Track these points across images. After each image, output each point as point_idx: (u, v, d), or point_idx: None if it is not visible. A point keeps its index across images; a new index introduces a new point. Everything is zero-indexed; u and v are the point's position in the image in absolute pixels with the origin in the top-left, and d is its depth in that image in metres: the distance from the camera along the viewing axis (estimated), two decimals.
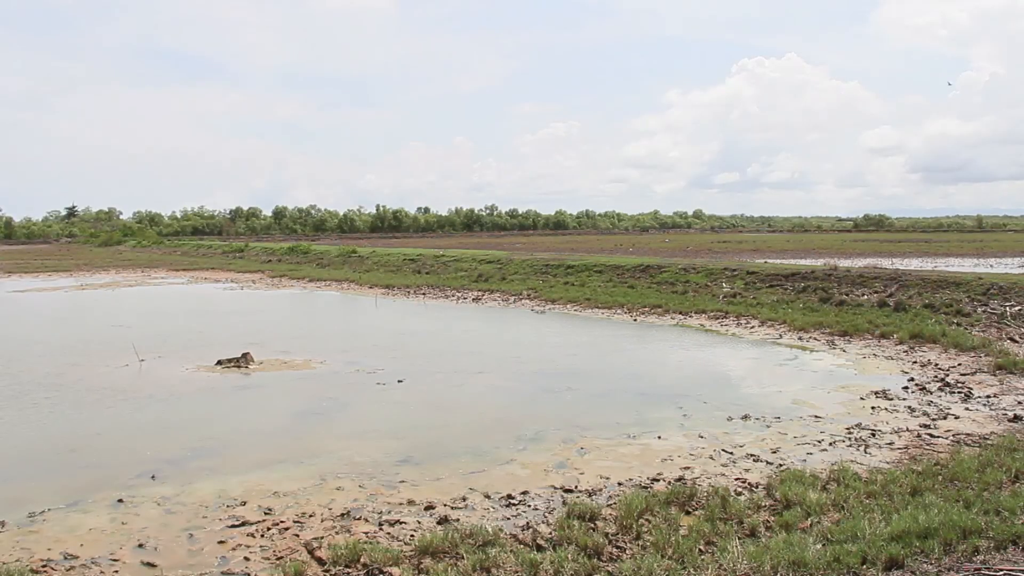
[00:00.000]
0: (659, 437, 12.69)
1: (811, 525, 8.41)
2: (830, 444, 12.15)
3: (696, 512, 9.10)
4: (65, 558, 8.50)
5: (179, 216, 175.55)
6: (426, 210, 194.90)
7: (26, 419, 14.79)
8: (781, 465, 11.05)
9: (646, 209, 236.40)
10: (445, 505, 9.76)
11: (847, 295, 27.28)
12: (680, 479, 10.47)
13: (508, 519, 9.26)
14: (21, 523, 9.52)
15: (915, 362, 18.63)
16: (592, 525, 8.70)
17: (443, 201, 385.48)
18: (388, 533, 8.88)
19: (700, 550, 7.89)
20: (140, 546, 8.78)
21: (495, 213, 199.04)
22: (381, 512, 9.59)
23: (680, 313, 27.63)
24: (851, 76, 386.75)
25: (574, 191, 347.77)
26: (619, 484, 10.47)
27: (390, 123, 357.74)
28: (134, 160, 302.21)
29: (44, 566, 8.21)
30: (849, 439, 12.36)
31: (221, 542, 8.82)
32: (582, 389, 16.55)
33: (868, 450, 11.76)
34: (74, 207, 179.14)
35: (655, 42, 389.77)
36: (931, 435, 12.46)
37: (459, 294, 37.13)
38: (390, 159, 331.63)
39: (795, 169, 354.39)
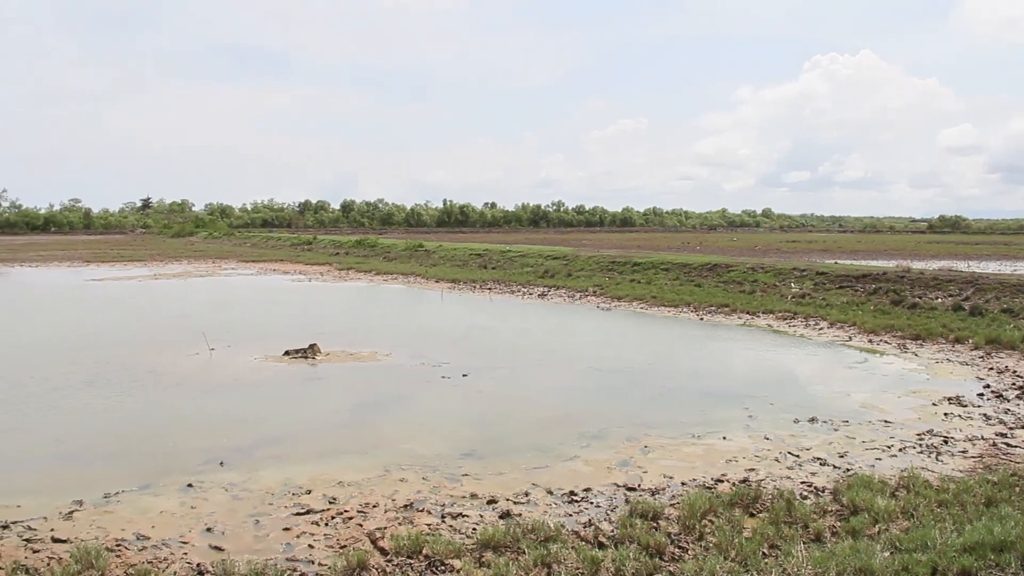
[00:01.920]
0: (724, 437, 12.57)
1: (879, 532, 8.25)
2: (900, 450, 11.90)
3: (760, 515, 8.99)
4: (137, 538, 8.72)
5: (249, 208, 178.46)
6: (493, 205, 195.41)
7: (102, 405, 15.19)
8: (848, 470, 10.87)
9: (714, 207, 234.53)
10: (507, 500, 9.79)
11: (920, 298, 26.71)
12: (744, 480, 10.36)
13: (570, 515, 9.26)
14: (97, 503, 9.81)
15: (991, 368, 18.16)
16: (654, 524, 8.66)
17: (510, 197, 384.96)
18: (450, 526, 8.93)
19: (764, 553, 7.80)
20: (208, 530, 8.97)
21: (562, 209, 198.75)
22: (444, 505, 9.65)
23: (747, 313, 27.32)
24: (928, 73, 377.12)
25: (641, 188, 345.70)
26: (682, 484, 10.40)
27: (458, 118, 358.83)
28: (206, 154, 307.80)
29: (118, 545, 8.45)
30: (920, 445, 12.10)
31: (286, 529, 8.96)
32: (647, 387, 16.46)
33: (940, 457, 11.49)
34: (149, 199, 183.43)
35: (726, 38, 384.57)
36: (1008, 444, 12.14)
37: (525, 290, 37.18)
38: (457, 154, 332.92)
39: (868, 168, 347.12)
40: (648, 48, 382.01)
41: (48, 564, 7.89)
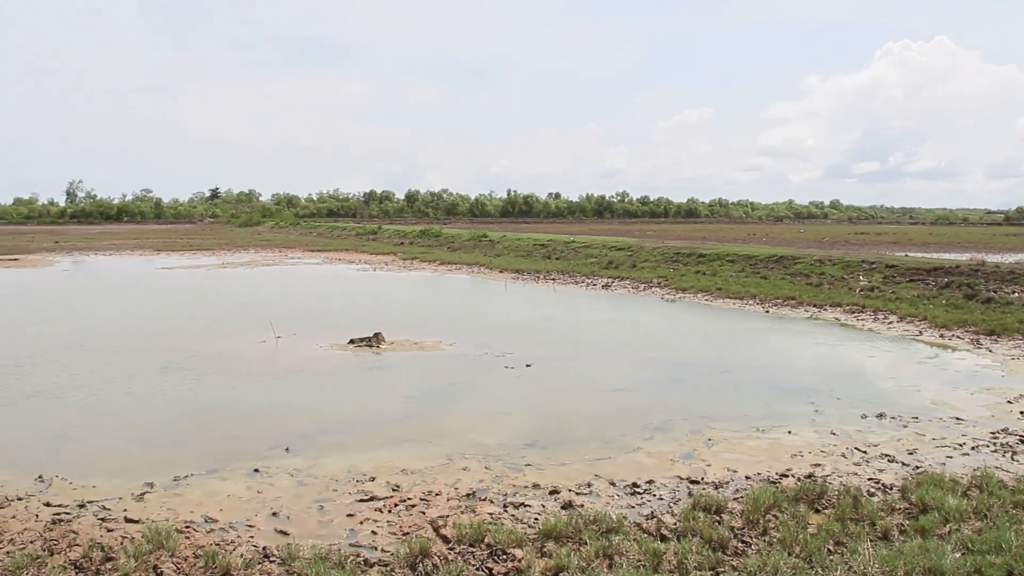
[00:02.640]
0: (789, 432, 12.41)
1: (949, 532, 8.07)
2: (972, 448, 11.62)
3: (826, 511, 8.87)
4: (206, 521, 8.91)
5: (315, 198, 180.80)
6: (557, 196, 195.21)
7: (173, 390, 15.53)
8: (918, 467, 10.65)
9: (780, 198, 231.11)
10: (570, 490, 9.79)
11: (995, 292, 26.03)
12: (810, 476, 10.22)
13: (632, 507, 9.23)
14: (167, 486, 10.05)
15: None
16: (718, 518, 8.59)
17: (574, 187, 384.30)
18: (512, 515, 8.96)
19: (829, 550, 7.69)
20: (274, 514, 9.12)
21: (626, 200, 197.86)
22: (506, 494, 9.69)
23: (814, 306, 26.93)
24: (1007, 59, 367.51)
25: (706, 179, 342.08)
26: (746, 478, 10.30)
27: (522, 108, 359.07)
28: (273, 144, 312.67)
29: (187, 527, 8.64)
30: (994, 444, 11.80)
31: (350, 515, 9.08)
32: (711, 380, 16.33)
33: (1016, 457, 11.19)
34: (217, 189, 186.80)
35: (794, 26, 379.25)
36: None
37: (588, 280, 37.09)
38: (522, 144, 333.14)
39: (941, 158, 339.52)
40: (715, 37, 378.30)
41: (121, 543, 8.10)
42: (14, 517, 8.98)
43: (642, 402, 14.50)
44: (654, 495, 9.65)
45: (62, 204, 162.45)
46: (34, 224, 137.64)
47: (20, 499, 9.60)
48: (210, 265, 49.74)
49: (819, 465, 10.78)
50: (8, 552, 7.94)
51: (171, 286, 37.78)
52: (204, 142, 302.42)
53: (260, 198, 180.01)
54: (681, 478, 10.28)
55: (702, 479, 10.22)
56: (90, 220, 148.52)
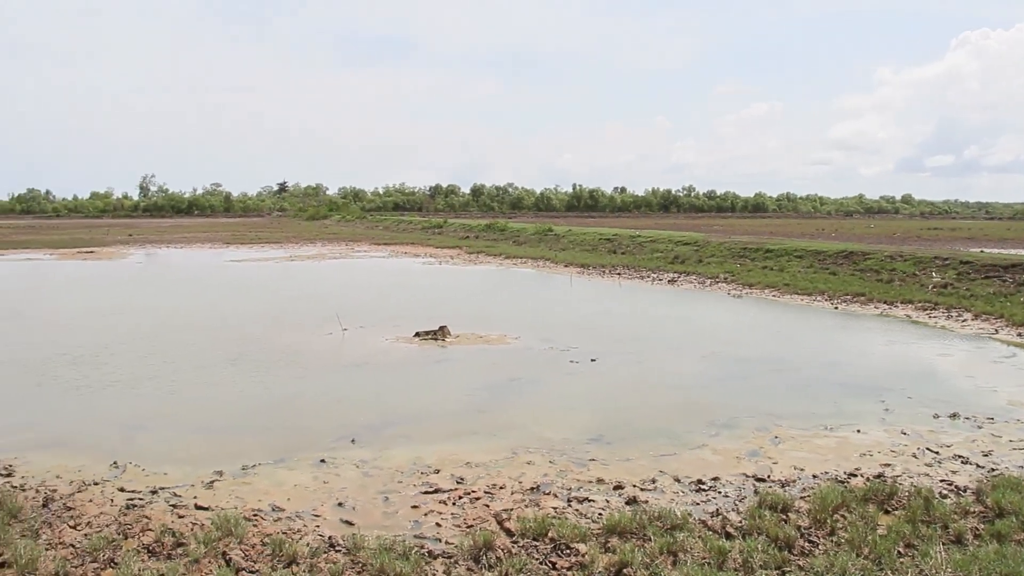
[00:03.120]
0: (858, 431, 12.20)
1: None
2: None
3: (896, 512, 8.70)
4: (273, 509, 9.07)
5: (381, 192, 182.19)
6: (622, 190, 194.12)
7: (242, 381, 15.83)
8: (994, 470, 10.38)
9: (850, 193, 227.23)
10: (634, 486, 9.75)
11: None
12: (879, 476, 10.04)
13: (697, 504, 9.16)
14: (236, 474, 10.25)
15: None
16: (784, 517, 8.48)
17: (640, 181, 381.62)
18: (576, 510, 8.95)
19: (899, 552, 7.55)
20: (340, 504, 9.24)
21: (692, 194, 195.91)
22: (570, 489, 9.69)
23: (884, 303, 26.40)
24: None
25: (774, 173, 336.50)
26: (813, 476, 10.15)
27: (589, 102, 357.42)
28: (340, 138, 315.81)
29: (255, 515, 8.81)
30: None
31: (414, 507, 9.15)
32: (778, 377, 16.11)
33: None
34: (285, 183, 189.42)
35: (866, 16, 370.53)
36: None
37: (654, 275, 36.86)
38: (588, 138, 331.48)
39: (1020, 151, 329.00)
40: (784, 28, 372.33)
41: (192, 529, 8.28)
42: (91, 501, 9.26)
43: (708, 398, 14.38)
44: (719, 492, 9.57)
45: (135, 198, 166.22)
46: (109, 217, 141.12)
47: (96, 484, 9.89)
48: (278, 258, 50.49)
49: (889, 465, 10.58)
50: (86, 534, 8.19)
51: (240, 279, 38.42)
52: (272, 137, 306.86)
53: (327, 192, 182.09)
54: (747, 476, 10.17)
55: (768, 477, 10.11)
56: (162, 213, 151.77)
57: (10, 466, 10.61)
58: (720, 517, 8.56)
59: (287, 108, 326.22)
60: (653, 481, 9.96)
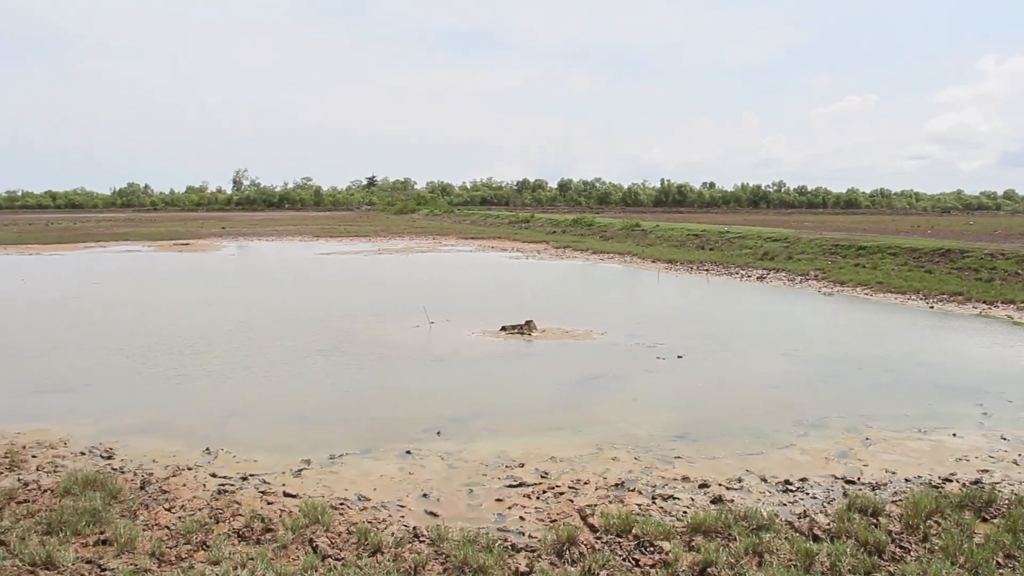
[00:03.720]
0: (954, 434, 11.84)
1: None
2: None
3: (994, 520, 8.41)
4: (359, 499, 9.22)
5: (468, 187, 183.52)
6: (711, 185, 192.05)
7: (331, 372, 16.12)
8: None
9: (948, 188, 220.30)
10: (720, 484, 9.65)
11: None
12: (977, 482, 9.73)
13: (784, 505, 9.01)
14: (323, 463, 10.45)
15: None
16: (874, 520, 8.28)
17: (728, 177, 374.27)
18: (660, 507, 8.89)
19: (998, 563, 7.30)
20: (424, 496, 9.34)
21: (782, 190, 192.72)
22: (655, 486, 9.63)
23: (984, 302, 25.55)
24: None
25: (868, 168, 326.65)
26: (906, 480, 9.89)
27: (677, 97, 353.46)
28: (428, 133, 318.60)
29: (341, 503, 8.98)
30: None
31: (498, 500, 9.20)
32: (870, 377, 15.73)
33: None
34: (374, 177, 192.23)
35: (967, 3, 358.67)
36: None
37: (743, 271, 36.33)
38: (676, 133, 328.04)
39: None
40: (880, 18, 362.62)
41: (280, 516, 8.48)
42: (185, 485, 9.56)
43: (796, 397, 14.13)
44: (807, 493, 9.39)
45: (229, 192, 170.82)
46: (203, 211, 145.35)
47: (190, 469, 10.19)
48: (366, 251, 51.20)
49: (987, 471, 10.25)
50: (180, 517, 8.46)
51: (329, 272, 39.08)
52: (362, 131, 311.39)
53: (415, 186, 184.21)
54: (836, 477, 9.96)
55: (858, 479, 9.88)
56: (254, 207, 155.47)
57: (110, 449, 11.04)
58: (807, 519, 8.41)
59: (378, 103, 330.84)
60: (739, 480, 9.84)
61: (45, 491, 9.23)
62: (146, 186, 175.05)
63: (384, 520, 8.53)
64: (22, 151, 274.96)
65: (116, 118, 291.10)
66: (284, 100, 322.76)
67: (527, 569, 7.25)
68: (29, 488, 9.37)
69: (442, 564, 7.30)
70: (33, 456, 10.73)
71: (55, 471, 10.08)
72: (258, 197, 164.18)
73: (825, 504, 9.01)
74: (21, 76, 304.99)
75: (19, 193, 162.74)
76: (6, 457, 10.58)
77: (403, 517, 8.68)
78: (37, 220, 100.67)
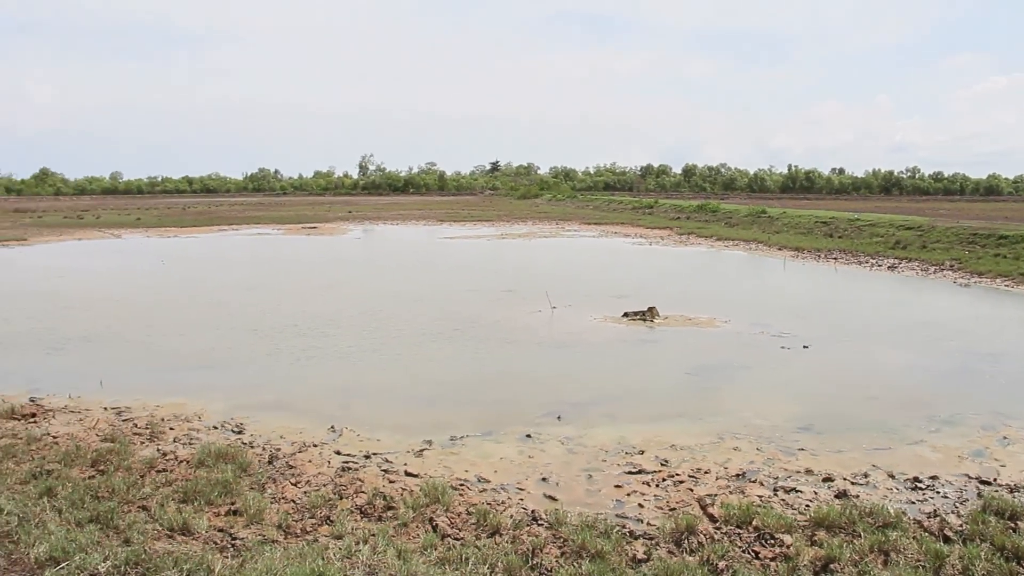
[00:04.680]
0: None
1: None
2: None
3: None
4: (479, 480, 9.34)
5: (592, 172, 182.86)
6: (840, 171, 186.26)
7: (453, 354, 16.37)
8: None
9: None
10: (844, 479, 9.39)
11: None
12: None
13: (912, 503, 8.72)
14: (444, 444, 10.63)
15: None
16: (1012, 525, 7.89)
17: (859, 162, 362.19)
18: (782, 500, 8.73)
19: None
20: (543, 479, 9.40)
21: (916, 176, 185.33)
22: (777, 478, 9.45)
23: None
24: None
25: (1012, 153, 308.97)
26: None
27: (807, 80, 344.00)
28: (551, 118, 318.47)
29: (461, 484, 9.12)
30: None
31: (617, 486, 9.19)
32: (1009, 372, 15.04)
33: None
34: (497, 162, 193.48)
35: None
36: None
37: (873, 260, 35.17)
38: (804, 117, 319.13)
39: None
40: None
41: (401, 494, 8.67)
42: (310, 461, 9.86)
43: (928, 392, 13.64)
44: (937, 492, 9.06)
45: (355, 177, 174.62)
46: (330, 195, 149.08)
47: (315, 446, 10.51)
48: (489, 236, 51.62)
49: None
50: (305, 492, 8.75)
51: (453, 256, 39.60)
52: (486, 116, 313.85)
53: (538, 171, 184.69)
54: (970, 477, 9.57)
55: (994, 480, 9.46)
56: (379, 191, 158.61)
57: (241, 424, 11.48)
58: (938, 519, 8.11)
59: (499, 88, 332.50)
60: (865, 475, 9.56)
61: (181, 462, 9.68)
62: (276, 171, 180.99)
63: (503, 502, 8.62)
64: (161, 139, 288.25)
65: (248, 106, 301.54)
66: (410, 86, 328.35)
67: (645, 556, 7.22)
68: (167, 458, 9.84)
69: (560, 548, 7.34)
70: (171, 428, 11.26)
71: (190, 443, 10.56)
72: (383, 182, 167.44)
73: (957, 504, 8.67)
74: (159, 71, 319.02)
75: (159, 179, 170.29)
76: (146, 428, 11.14)
77: (522, 500, 8.75)
78: (175, 204, 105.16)
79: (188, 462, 9.61)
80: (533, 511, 8.28)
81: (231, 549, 7.09)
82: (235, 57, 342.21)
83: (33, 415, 11.76)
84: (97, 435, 10.80)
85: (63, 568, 6.15)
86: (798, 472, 9.65)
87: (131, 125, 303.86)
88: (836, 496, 8.81)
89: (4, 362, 15.78)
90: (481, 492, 8.96)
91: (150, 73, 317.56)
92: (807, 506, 8.47)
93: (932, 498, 8.87)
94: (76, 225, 60.99)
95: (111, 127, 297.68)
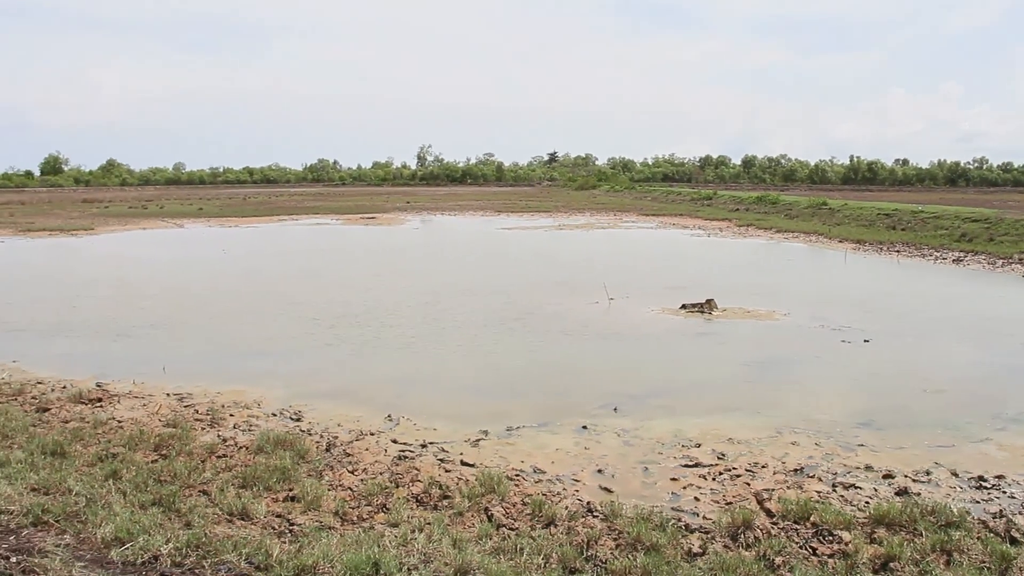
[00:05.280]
0: None
1: None
2: None
3: None
4: (534, 471, 9.35)
5: (650, 163, 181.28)
6: (904, 162, 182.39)
7: (510, 345, 16.41)
8: None
9: None
10: (906, 476, 9.22)
11: None
12: None
13: (977, 503, 8.52)
14: (500, 435, 10.66)
15: None
16: None
17: (923, 153, 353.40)
18: (841, 496, 8.60)
19: None
20: (599, 471, 9.38)
21: (984, 167, 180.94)
22: (836, 473, 9.31)
23: None
24: None
25: None
26: None
27: (871, 68, 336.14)
28: (610, 109, 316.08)
29: (517, 475, 9.14)
30: None
31: (673, 479, 9.13)
32: None
33: None
34: (555, 153, 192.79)
35: None
36: None
37: (937, 254, 34.46)
38: (868, 107, 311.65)
39: None
40: None
41: (457, 484, 8.71)
42: (367, 450, 9.96)
43: (995, 389, 13.34)
44: (1004, 492, 8.84)
45: (413, 167, 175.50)
46: (389, 185, 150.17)
47: (372, 434, 10.61)
48: (547, 227, 51.59)
49: None
50: (362, 479, 8.84)
51: (511, 246, 39.67)
52: (544, 107, 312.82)
53: (596, 162, 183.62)
54: None
55: None
56: (437, 182, 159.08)
57: (299, 412, 11.63)
58: (1004, 519, 7.91)
59: (558, 78, 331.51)
60: (927, 473, 9.37)
61: (241, 448, 9.83)
62: (335, 162, 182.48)
63: (558, 493, 8.61)
64: (223, 131, 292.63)
65: (307, 98, 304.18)
66: (469, 76, 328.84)
67: (700, 550, 7.17)
68: (227, 444, 10.01)
69: (615, 540, 7.31)
70: (231, 415, 11.44)
71: (249, 429, 10.72)
72: (441, 172, 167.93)
73: None
74: (222, 64, 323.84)
75: (220, 169, 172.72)
76: (207, 414, 11.33)
77: (577, 491, 8.74)
78: (236, 195, 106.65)
79: (247, 448, 9.77)
80: (588, 502, 8.27)
81: (289, 534, 7.18)
82: (297, 50, 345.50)
83: (99, 400, 12.07)
84: (160, 420, 11.02)
85: (128, 548, 6.28)
86: (858, 468, 9.50)
87: (194, 117, 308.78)
88: (897, 493, 8.65)
89: (72, 348, 16.18)
90: (537, 483, 8.96)
91: (213, 66, 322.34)
92: (867, 503, 8.33)
93: (998, 498, 8.67)
94: (141, 215, 62.26)
95: (175, 119, 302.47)
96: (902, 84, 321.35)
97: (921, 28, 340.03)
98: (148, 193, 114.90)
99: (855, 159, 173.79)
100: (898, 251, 35.85)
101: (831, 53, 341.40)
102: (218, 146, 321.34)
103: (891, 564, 6.89)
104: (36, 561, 5.94)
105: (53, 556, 6.06)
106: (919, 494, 8.60)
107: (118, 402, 12.05)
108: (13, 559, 6.02)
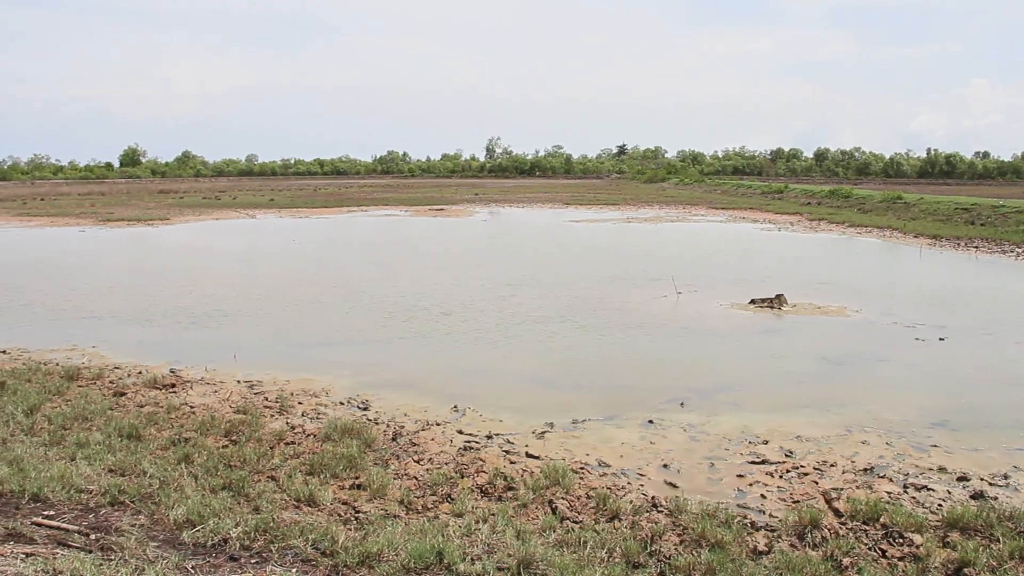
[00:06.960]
0: None
1: None
2: None
3: None
4: (599, 464, 9.33)
5: (720, 156, 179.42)
6: (985, 155, 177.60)
7: (578, 338, 16.38)
8: None
9: None
10: (982, 479, 8.98)
11: None
12: None
13: None
14: (566, 428, 10.65)
15: None
16: None
17: (1007, 145, 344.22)
18: (913, 497, 8.40)
19: None
20: (665, 466, 9.31)
21: None
22: (907, 474, 9.11)
23: None
24: None
25: None
26: None
27: (949, 59, 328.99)
28: (680, 101, 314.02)
29: (582, 468, 9.13)
30: None
31: (739, 476, 9.03)
32: None
33: None
34: (624, 145, 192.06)
35: None
36: None
37: (1019, 250, 33.45)
38: (946, 98, 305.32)
39: None
40: None
41: (521, 475, 8.73)
42: (433, 440, 10.03)
43: None
44: None
45: (481, 159, 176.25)
46: (457, 177, 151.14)
47: (438, 425, 10.68)
48: (615, 220, 51.35)
49: None
50: (427, 469, 8.92)
51: (580, 239, 39.56)
52: (613, 99, 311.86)
53: (665, 155, 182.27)
54: None
55: None
56: (505, 174, 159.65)
57: (366, 401, 11.76)
58: None
59: (628, 70, 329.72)
60: (1005, 476, 9.11)
61: (309, 435, 9.98)
62: (404, 154, 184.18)
63: (623, 487, 8.58)
64: (295, 123, 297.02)
65: (378, 91, 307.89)
66: (538, 69, 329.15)
67: (766, 548, 7.07)
68: (295, 431, 10.17)
69: (679, 536, 7.25)
70: (299, 403, 11.62)
71: (317, 417, 10.88)
72: (509, 164, 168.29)
73: None
74: (294, 58, 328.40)
75: (292, 161, 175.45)
76: (277, 402, 11.52)
77: (642, 486, 8.69)
78: (306, 186, 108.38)
79: (315, 436, 9.91)
80: (653, 497, 8.21)
81: (354, 522, 7.27)
82: (367, 43, 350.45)
83: (173, 385, 12.37)
84: (230, 407, 11.25)
85: (199, 531, 6.43)
86: (930, 469, 9.28)
87: (266, 110, 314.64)
88: (972, 497, 8.42)
89: (148, 335, 16.58)
90: (601, 476, 8.94)
91: (285, 60, 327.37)
92: (939, 505, 8.14)
93: None
94: (214, 205, 63.57)
95: (247, 112, 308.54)
96: (982, 74, 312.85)
97: (1002, 16, 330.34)
98: (221, 184, 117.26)
99: (932, 152, 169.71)
100: (976, 247, 34.91)
101: (907, 43, 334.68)
102: (289, 138, 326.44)
103: (965, 570, 6.71)
104: (113, 539, 6.15)
105: (129, 535, 6.25)
106: (996, 498, 8.36)
107: (191, 388, 12.34)
108: (93, 536, 6.25)
